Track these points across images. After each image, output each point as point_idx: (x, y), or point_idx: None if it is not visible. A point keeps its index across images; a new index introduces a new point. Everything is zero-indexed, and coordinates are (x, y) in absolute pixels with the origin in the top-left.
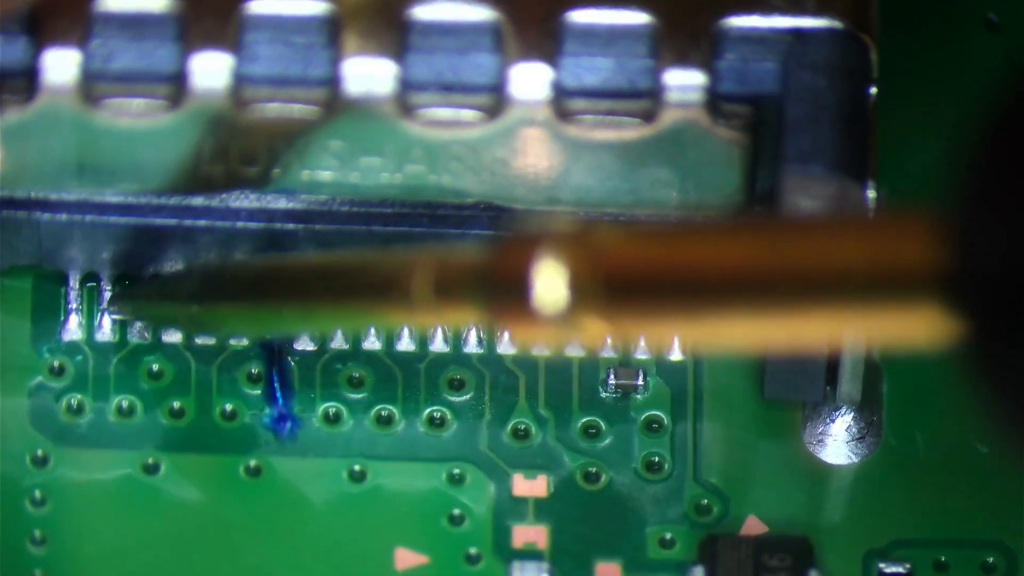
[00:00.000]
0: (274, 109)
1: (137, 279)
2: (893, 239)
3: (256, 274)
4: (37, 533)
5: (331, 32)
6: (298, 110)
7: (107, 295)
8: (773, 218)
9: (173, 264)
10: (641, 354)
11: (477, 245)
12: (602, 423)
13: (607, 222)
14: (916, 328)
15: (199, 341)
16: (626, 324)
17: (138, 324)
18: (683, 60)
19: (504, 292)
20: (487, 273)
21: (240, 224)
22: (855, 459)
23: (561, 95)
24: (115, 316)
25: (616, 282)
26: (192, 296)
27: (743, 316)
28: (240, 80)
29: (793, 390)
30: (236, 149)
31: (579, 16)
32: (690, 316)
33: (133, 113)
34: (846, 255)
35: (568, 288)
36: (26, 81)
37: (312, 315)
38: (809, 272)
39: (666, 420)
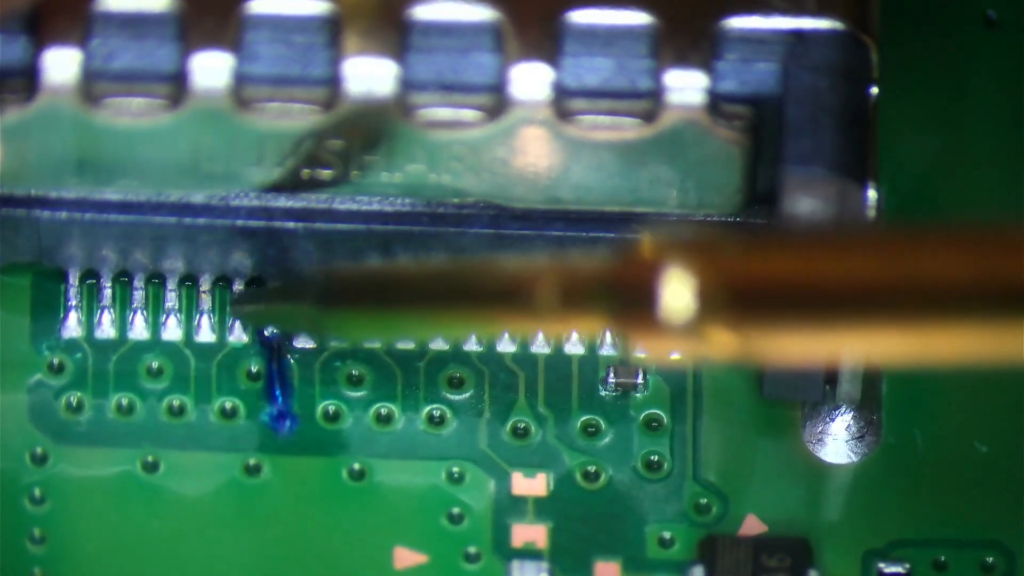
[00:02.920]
0: (274, 109)
1: (260, 282)
2: (1008, 252)
3: (381, 278)
4: (36, 531)
5: (332, 32)
6: (299, 110)
7: (230, 298)
8: (899, 229)
9: (297, 268)
10: (641, 353)
11: (604, 253)
12: (602, 422)
13: (734, 232)
14: None
15: (197, 338)
16: (752, 334)
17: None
18: (683, 60)
19: (631, 301)
20: (614, 282)
21: (240, 222)
22: (854, 458)
23: (561, 95)
24: (238, 319)
25: (743, 293)
26: (315, 300)
27: (868, 328)
28: (240, 80)
29: (792, 389)
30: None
31: (579, 16)
32: (815, 327)
33: (133, 112)
34: (972, 268)
35: (695, 298)
36: (26, 80)
37: (435, 320)
38: (934, 284)
39: (666, 419)
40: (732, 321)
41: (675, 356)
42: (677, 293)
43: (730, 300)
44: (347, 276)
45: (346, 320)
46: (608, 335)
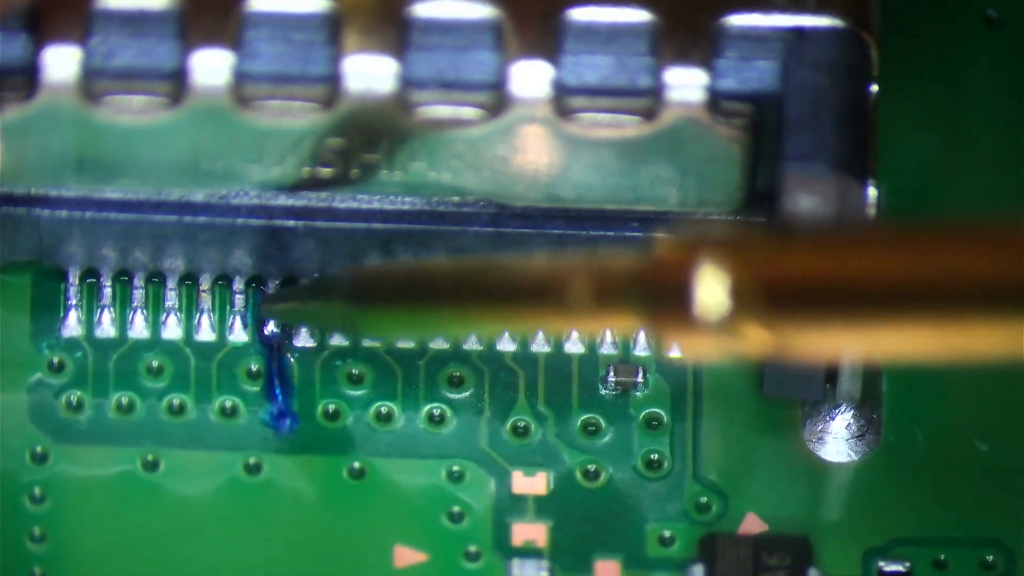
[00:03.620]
0: (274, 107)
1: (292, 281)
2: None
3: (412, 276)
4: (36, 530)
5: (332, 29)
6: (299, 108)
7: (261, 298)
8: (933, 226)
9: (329, 266)
10: (641, 351)
11: (637, 251)
12: (602, 420)
13: (764, 230)
14: None
15: (197, 337)
16: (786, 332)
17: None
18: (684, 58)
19: (665, 299)
20: (647, 279)
21: (240, 221)
22: (855, 457)
23: (561, 93)
24: (270, 318)
25: (777, 290)
26: (346, 298)
27: (902, 325)
28: (240, 77)
29: (793, 388)
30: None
31: (579, 14)
32: (850, 324)
33: (133, 110)
34: (999, 265)
35: (729, 295)
36: (26, 78)
37: (467, 318)
38: (964, 281)
39: (666, 418)
40: (766, 318)
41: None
42: (711, 291)
43: (764, 297)
44: (378, 274)
45: (378, 318)
46: (608, 333)
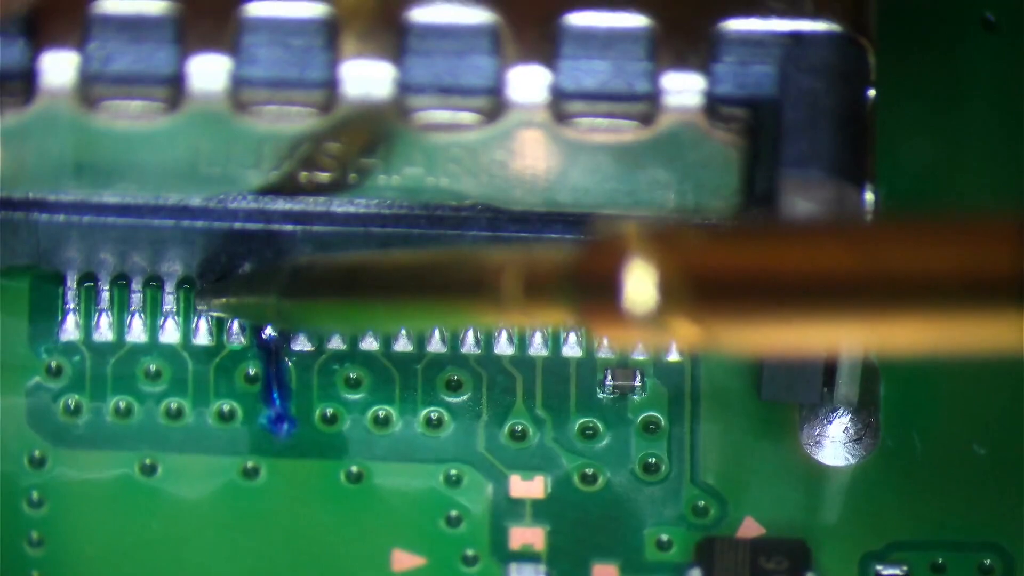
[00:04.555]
0: (272, 112)
1: (226, 275)
2: (983, 244)
3: (345, 270)
4: (34, 534)
5: (329, 35)
6: (296, 113)
7: (196, 290)
8: (864, 221)
9: (262, 261)
10: (639, 355)
11: (567, 245)
12: (599, 424)
13: (696, 224)
14: (1005, 334)
15: (195, 341)
16: (715, 326)
17: (223, 318)
18: (681, 63)
19: (594, 293)
20: (577, 273)
21: (238, 225)
22: (852, 461)
23: (559, 98)
24: (204, 312)
25: (705, 284)
26: (281, 291)
27: (831, 320)
28: (238, 82)
29: (790, 391)
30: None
31: (577, 19)
32: (779, 319)
33: (131, 115)
34: (937, 260)
35: (658, 289)
36: (24, 83)
37: (400, 312)
38: (899, 276)
39: (663, 421)
40: (695, 312)
41: (636, 348)
42: (640, 284)
43: (693, 291)
44: (313, 266)
45: (312, 311)
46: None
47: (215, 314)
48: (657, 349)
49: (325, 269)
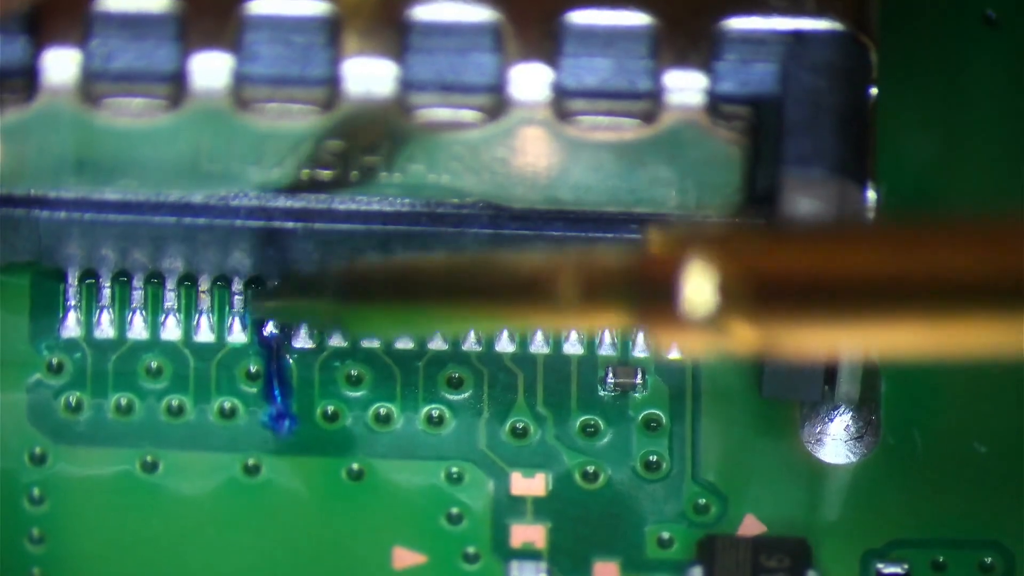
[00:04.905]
0: (274, 109)
1: (279, 279)
2: None
3: (399, 273)
4: (35, 531)
5: (331, 32)
6: (298, 110)
7: (249, 295)
8: (919, 223)
9: (315, 264)
10: (640, 352)
11: (624, 248)
12: (600, 422)
13: (754, 227)
14: None
15: (196, 338)
16: (773, 329)
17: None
18: (683, 61)
19: (652, 296)
20: (635, 276)
21: (239, 222)
22: (853, 459)
23: (561, 96)
24: (256, 316)
25: (764, 287)
26: (334, 295)
27: (889, 322)
28: (240, 80)
29: (791, 389)
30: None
31: (579, 17)
32: (838, 322)
33: (133, 112)
34: (991, 261)
35: (717, 292)
36: (26, 80)
37: (456, 315)
38: (952, 277)
39: (664, 419)
40: (753, 315)
41: (699, 352)
42: (698, 288)
43: (751, 294)
44: (368, 270)
45: (368, 315)
46: (607, 333)
47: (271, 319)
48: (716, 352)
49: (380, 271)
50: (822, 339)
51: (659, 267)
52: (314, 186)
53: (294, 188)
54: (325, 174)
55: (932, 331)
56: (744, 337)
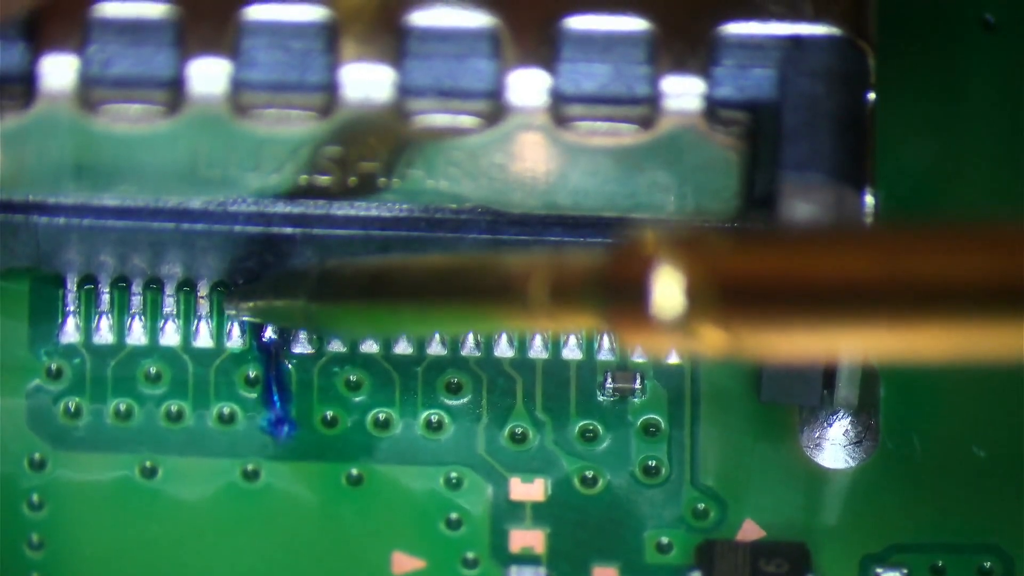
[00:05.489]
0: (272, 115)
1: (255, 278)
2: (1014, 251)
3: (373, 274)
4: (34, 536)
5: (329, 38)
6: (296, 116)
7: (225, 294)
8: (892, 227)
9: (290, 264)
10: (638, 357)
11: (594, 250)
12: (599, 427)
13: (724, 230)
14: None
15: (195, 344)
16: (742, 332)
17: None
18: (681, 66)
19: (621, 298)
20: (605, 278)
21: (238, 228)
22: (852, 463)
23: (559, 101)
24: (233, 316)
25: (733, 290)
26: (309, 294)
27: (859, 326)
28: (238, 86)
29: (790, 394)
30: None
31: (577, 22)
32: (807, 324)
33: (131, 118)
34: (966, 266)
35: (685, 295)
36: (24, 86)
37: (427, 316)
38: (927, 283)
39: (663, 424)
40: (723, 318)
41: (667, 354)
42: (667, 290)
43: (721, 297)
44: (341, 270)
45: (340, 315)
46: (606, 338)
47: (244, 318)
48: (685, 354)
49: (353, 272)
50: (792, 342)
51: (628, 269)
52: (313, 192)
53: (292, 194)
54: (323, 180)
55: (907, 335)
56: (712, 340)
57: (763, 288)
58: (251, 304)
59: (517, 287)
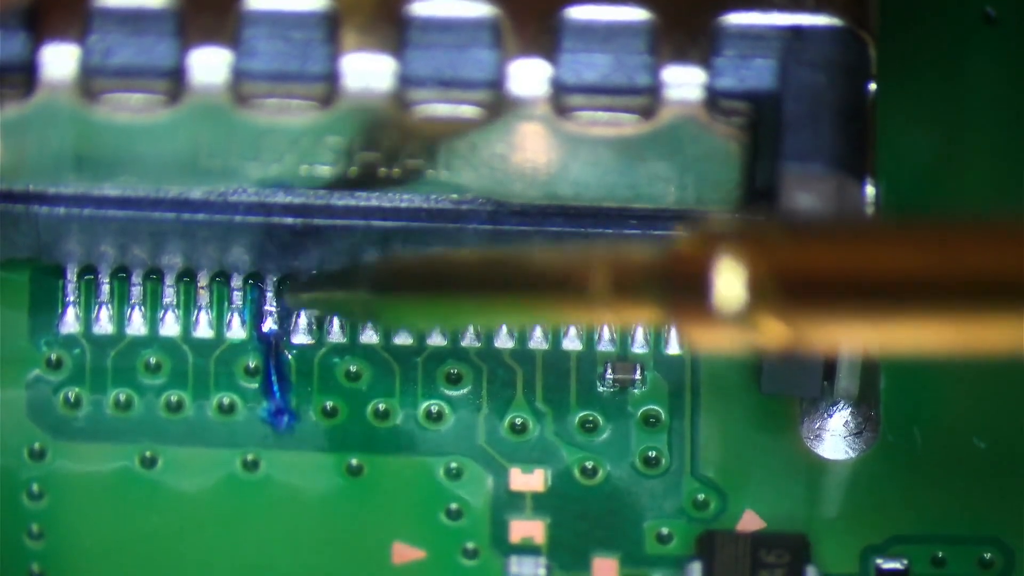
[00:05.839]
0: (273, 105)
1: (315, 271)
2: None
3: (433, 266)
4: (34, 527)
5: (330, 28)
6: (297, 106)
7: (284, 287)
8: (950, 220)
9: (349, 257)
10: (639, 348)
11: (656, 244)
12: (600, 417)
13: (784, 223)
14: None
15: (195, 334)
16: (803, 325)
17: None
18: (682, 57)
19: (683, 291)
20: (666, 272)
21: (238, 218)
22: (852, 454)
23: (560, 91)
24: (294, 308)
25: (794, 283)
26: (368, 287)
27: (917, 319)
28: (239, 76)
29: (791, 385)
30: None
31: (578, 12)
32: (866, 318)
33: (132, 108)
34: (1017, 259)
35: (747, 288)
36: (25, 76)
37: (487, 309)
38: (983, 276)
39: (663, 415)
40: (784, 311)
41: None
42: (729, 283)
43: (782, 290)
44: (402, 263)
45: (401, 308)
46: (606, 329)
47: (306, 311)
48: (747, 348)
49: (414, 264)
50: (849, 335)
51: (690, 263)
52: (313, 182)
53: (293, 184)
54: (324, 170)
55: (955, 328)
56: (774, 333)
57: (823, 281)
58: (312, 296)
59: (579, 280)
